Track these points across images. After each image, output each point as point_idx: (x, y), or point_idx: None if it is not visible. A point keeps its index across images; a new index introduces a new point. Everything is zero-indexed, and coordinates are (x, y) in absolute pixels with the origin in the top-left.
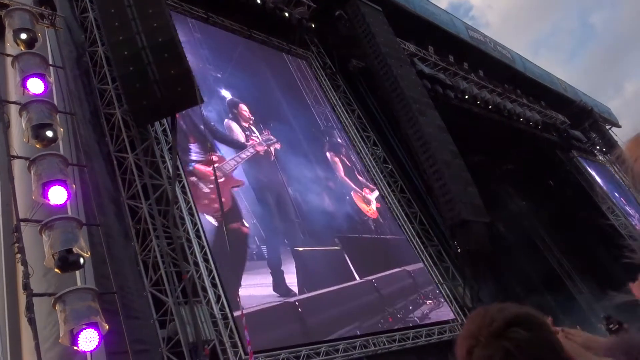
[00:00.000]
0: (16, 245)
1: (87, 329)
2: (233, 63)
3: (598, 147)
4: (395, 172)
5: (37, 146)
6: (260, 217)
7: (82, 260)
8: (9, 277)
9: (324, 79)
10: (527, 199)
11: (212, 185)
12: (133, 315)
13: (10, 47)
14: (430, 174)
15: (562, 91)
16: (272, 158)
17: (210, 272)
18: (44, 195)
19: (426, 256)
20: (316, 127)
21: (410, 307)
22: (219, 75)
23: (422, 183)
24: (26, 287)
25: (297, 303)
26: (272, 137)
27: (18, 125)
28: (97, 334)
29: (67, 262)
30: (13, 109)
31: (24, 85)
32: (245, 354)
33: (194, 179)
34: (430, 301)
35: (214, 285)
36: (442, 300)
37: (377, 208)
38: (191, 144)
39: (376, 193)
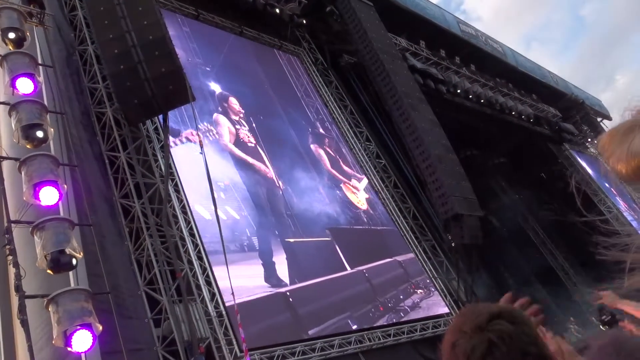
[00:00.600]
0: (7, 247)
1: (81, 330)
2: (222, 57)
3: (590, 140)
4: (389, 167)
5: (28, 147)
6: (251, 209)
7: (74, 261)
8: (1, 279)
9: (316, 74)
10: (520, 192)
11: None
12: (127, 314)
13: None
14: (423, 169)
15: (554, 84)
16: (263, 151)
17: (204, 270)
18: (35, 196)
19: (420, 251)
20: (307, 120)
21: (401, 297)
22: (208, 68)
23: (415, 178)
24: (18, 289)
25: (288, 293)
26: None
27: (7, 125)
28: (91, 335)
29: (59, 263)
30: (2, 110)
31: (13, 85)
32: (241, 351)
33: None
34: (421, 290)
35: (209, 283)
36: (433, 289)
37: (366, 199)
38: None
39: (365, 182)
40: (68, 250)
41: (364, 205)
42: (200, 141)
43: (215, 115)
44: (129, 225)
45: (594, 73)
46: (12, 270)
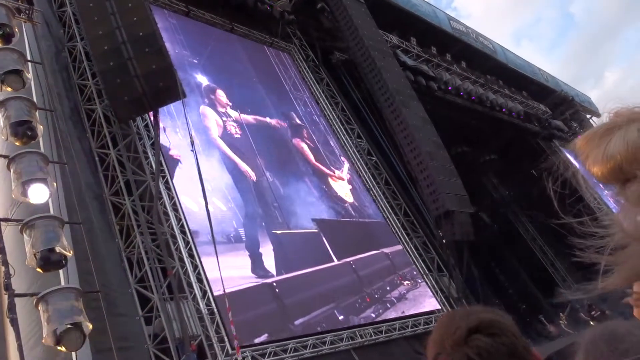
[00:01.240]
0: None
1: (71, 329)
2: (210, 49)
3: (579, 137)
4: (380, 164)
5: (17, 144)
6: (238, 201)
7: (64, 259)
8: None
9: (307, 71)
10: (510, 189)
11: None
12: (118, 312)
13: None
14: (414, 166)
15: (544, 81)
16: (249, 143)
17: (195, 267)
18: (25, 193)
19: (411, 247)
20: (296, 113)
21: (388, 288)
22: (195, 60)
23: (406, 174)
24: (7, 287)
25: (274, 284)
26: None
27: None
28: (82, 334)
29: (49, 261)
30: None
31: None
32: (232, 348)
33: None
34: (407, 282)
35: (200, 280)
36: (420, 281)
37: (350, 190)
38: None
39: (346, 166)
40: (58, 249)
41: (350, 198)
42: (191, 137)
43: (202, 107)
44: (119, 223)
45: (584, 70)
46: (1, 269)
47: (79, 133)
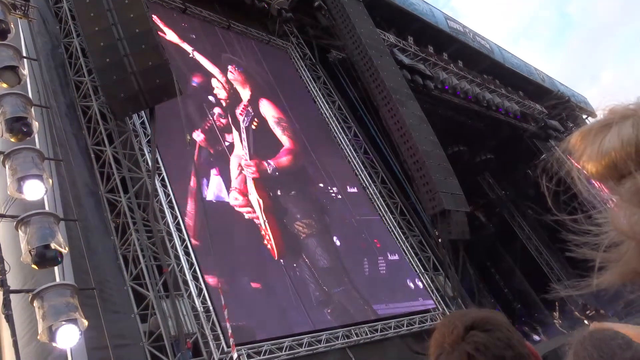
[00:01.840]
0: None
1: (66, 325)
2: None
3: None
4: (376, 163)
5: (12, 140)
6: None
7: (60, 256)
8: None
9: (304, 70)
10: (506, 188)
11: None
12: (113, 309)
13: None
14: (411, 165)
15: (540, 81)
16: (244, 135)
17: (191, 265)
18: (20, 190)
19: (407, 246)
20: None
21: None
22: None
23: (403, 173)
24: (3, 283)
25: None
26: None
27: None
28: (77, 331)
29: (44, 258)
30: None
31: None
32: (228, 346)
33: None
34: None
35: (195, 278)
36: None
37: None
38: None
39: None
40: (53, 245)
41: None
42: (188, 136)
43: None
44: (115, 220)
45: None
46: None
47: (74, 130)
